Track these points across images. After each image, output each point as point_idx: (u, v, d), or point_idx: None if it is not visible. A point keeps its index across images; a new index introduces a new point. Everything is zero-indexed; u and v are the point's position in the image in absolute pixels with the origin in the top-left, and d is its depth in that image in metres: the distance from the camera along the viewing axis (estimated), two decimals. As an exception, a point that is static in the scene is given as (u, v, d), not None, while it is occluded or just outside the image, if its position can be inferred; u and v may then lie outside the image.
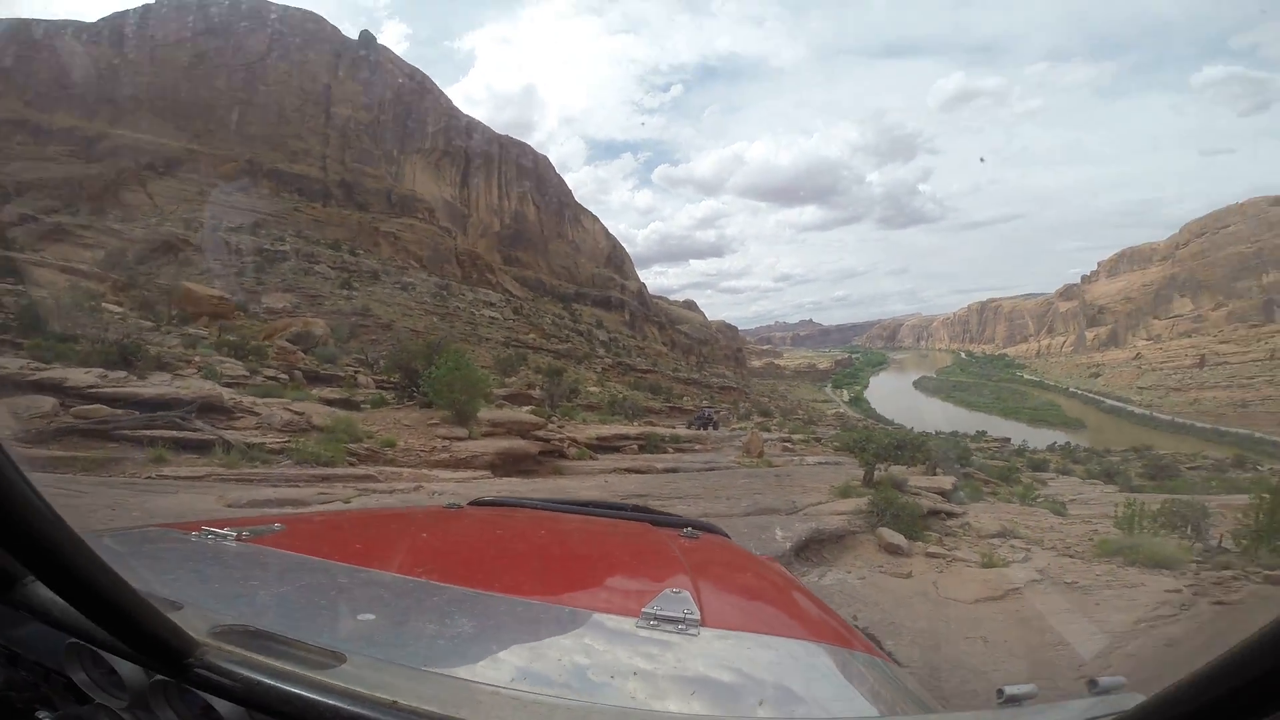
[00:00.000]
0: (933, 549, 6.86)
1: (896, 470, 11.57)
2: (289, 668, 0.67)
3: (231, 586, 0.97)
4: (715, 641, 0.89)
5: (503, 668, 0.77)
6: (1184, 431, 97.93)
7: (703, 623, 0.93)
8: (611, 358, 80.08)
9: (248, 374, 17.36)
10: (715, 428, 29.19)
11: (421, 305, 61.64)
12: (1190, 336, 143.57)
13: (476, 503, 2.23)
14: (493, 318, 70.25)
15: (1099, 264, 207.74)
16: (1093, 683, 0.71)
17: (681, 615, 0.93)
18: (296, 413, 11.62)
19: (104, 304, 23.97)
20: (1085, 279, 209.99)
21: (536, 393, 27.74)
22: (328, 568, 1.10)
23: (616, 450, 18.65)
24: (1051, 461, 39.50)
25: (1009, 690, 0.76)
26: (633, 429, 22.20)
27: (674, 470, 14.55)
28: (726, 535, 2.00)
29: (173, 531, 1.26)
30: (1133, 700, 0.60)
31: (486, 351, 55.02)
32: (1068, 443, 68.80)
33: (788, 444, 27.02)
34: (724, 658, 0.86)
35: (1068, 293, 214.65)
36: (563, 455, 15.26)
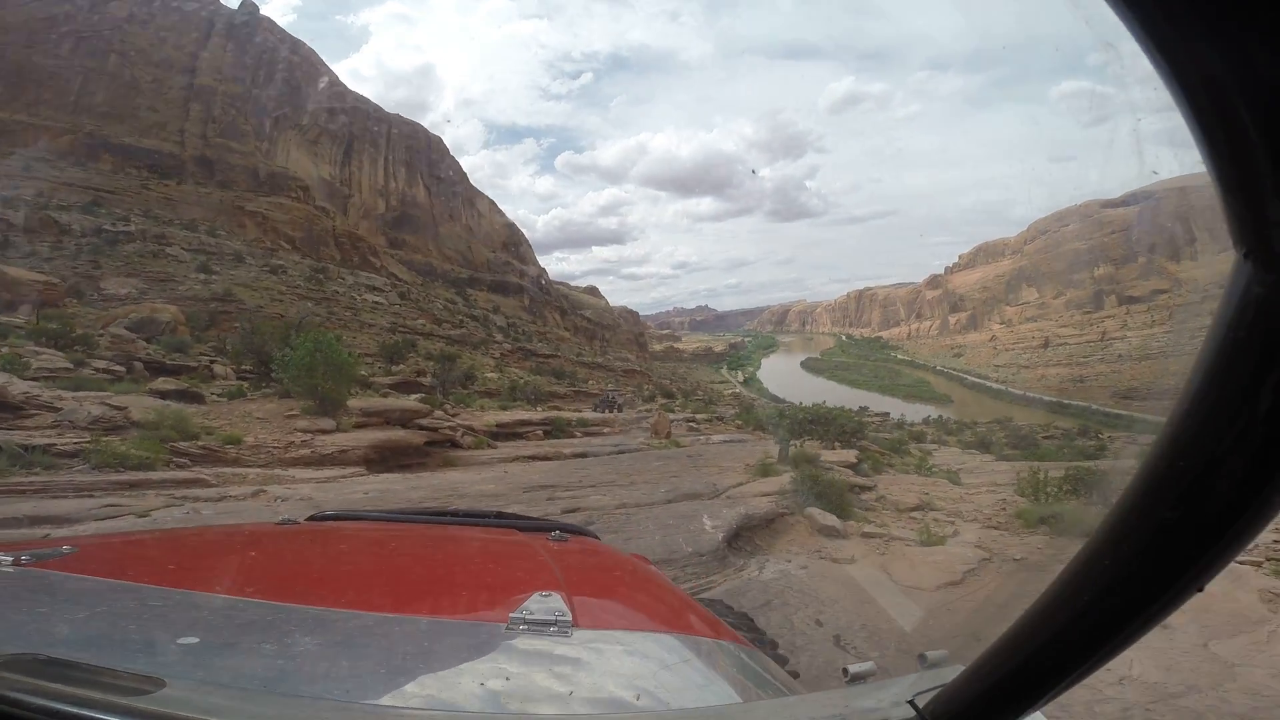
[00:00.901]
0: (868, 529, 6.56)
1: (808, 447, 11.41)
2: (96, 695, 0.55)
3: (10, 615, 0.82)
4: (589, 641, 0.87)
5: (356, 685, 0.70)
6: (1034, 405, 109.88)
7: (575, 624, 0.90)
8: (510, 343, 77.72)
9: (71, 366, 15.29)
10: (620, 410, 28.85)
11: (294, 290, 56.50)
12: (1036, 321, 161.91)
13: (315, 518, 2.02)
14: (377, 303, 65.73)
15: (960, 257, 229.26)
16: (922, 657, 0.72)
17: (553, 618, 0.89)
18: (116, 407, 9.65)
19: None
20: (948, 270, 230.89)
21: (427, 380, 25.91)
22: (136, 590, 0.95)
23: (519, 437, 17.55)
24: (928, 434, 42.59)
25: (852, 669, 0.79)
26: (536, 414, 21.21)
27: (583, 455, 13.74)
28: (596, 537, 1.95)
29: None
30: (957, 669, 0.63)
31: (370, 338, 51.45)
32: (940, 416, 75.15)
33: (692, 424, 27.04)
34: (598, 656, 0.84)
35: (934, 282, 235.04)
36: (455, 445, 14.01)
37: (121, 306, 31.51)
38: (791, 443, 10.97)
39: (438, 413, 14.98)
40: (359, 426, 11.91)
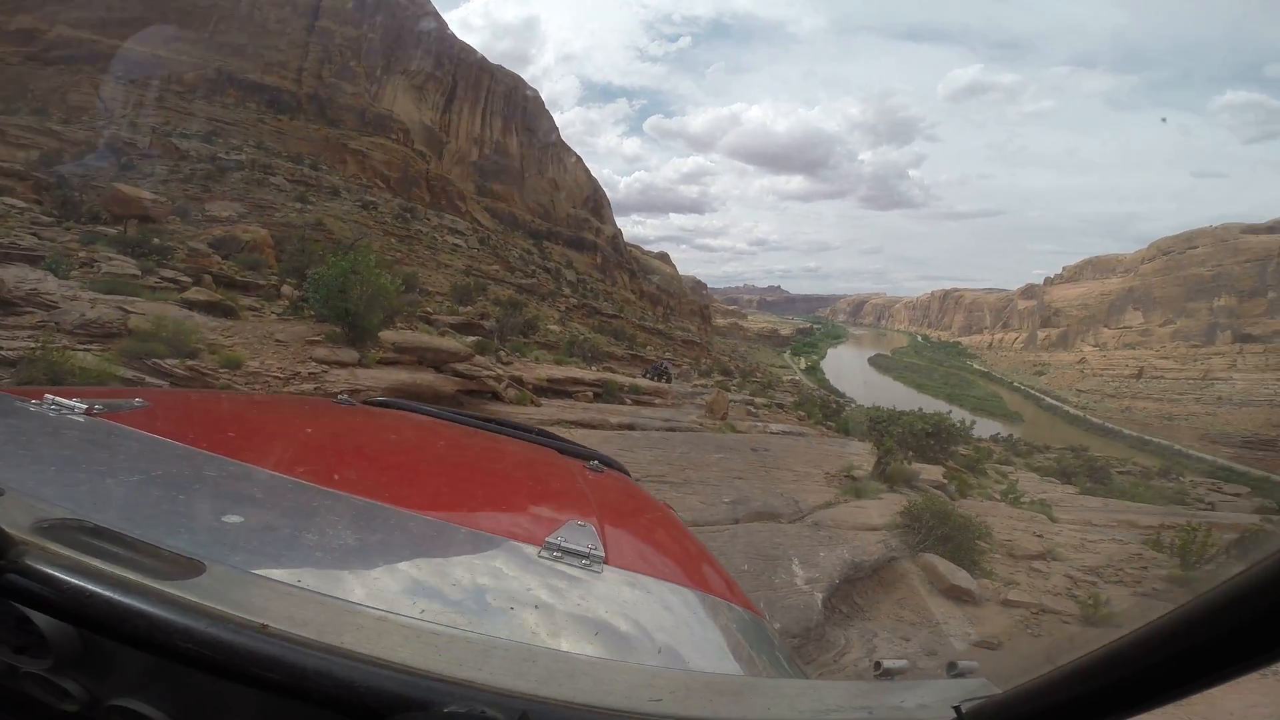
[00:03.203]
0: (1009, 594, 5.08)
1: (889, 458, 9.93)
2: (131, 576, 0.55)
3: (69, 472, 0.80)
4: (619, 582, 0.86)
5: (392, 590, 0.69)
6: (1112, 436, 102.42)
7: (606, 560, 0.89)
8: (578, 299, 77.93)
9: (138, 274, 15.62)
10: (669, 380, 27.92)
11: (381, 225, 58.36)
12: (1134, 348, 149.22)
13: (369, 402, 2.07)
14: (456, 245, 67.00)
15: (1064, 268, 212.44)
16: (951, 665, 0.73)
17: (586, 550, 0.89)
18: (128, 311, 9.16)
19: (7, 199, 22.59)
20: (1048, 281, 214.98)
21: (489, 324, 25.64)
22: (192, 456, 0.95)
23: (568, 395, 16.76)
24: (994, 452, 39.58)
25: (885, 664, 0.79)
26: (589, 373, 20.38)
27: (629, 427, 12.67)
28: (629, 473, 1.94)
29: (5, 397, 1.04)
30: (990, 688, 0.63)
31: (445, 278, 52.44)
32: (1009, 435, 70.64)
33: (751, 408, 25.71)
34: (628, 600, 0.83)
35: (1028, 292, 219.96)
36: (497, 397, 13.07)
37: (220, 226, 33.00)
38: (896, 455, 9.40)
39: (479, 359, 13.87)
40: (385, 363, 10.98)
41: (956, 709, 0.61)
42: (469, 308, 33.94)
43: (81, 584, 0.53)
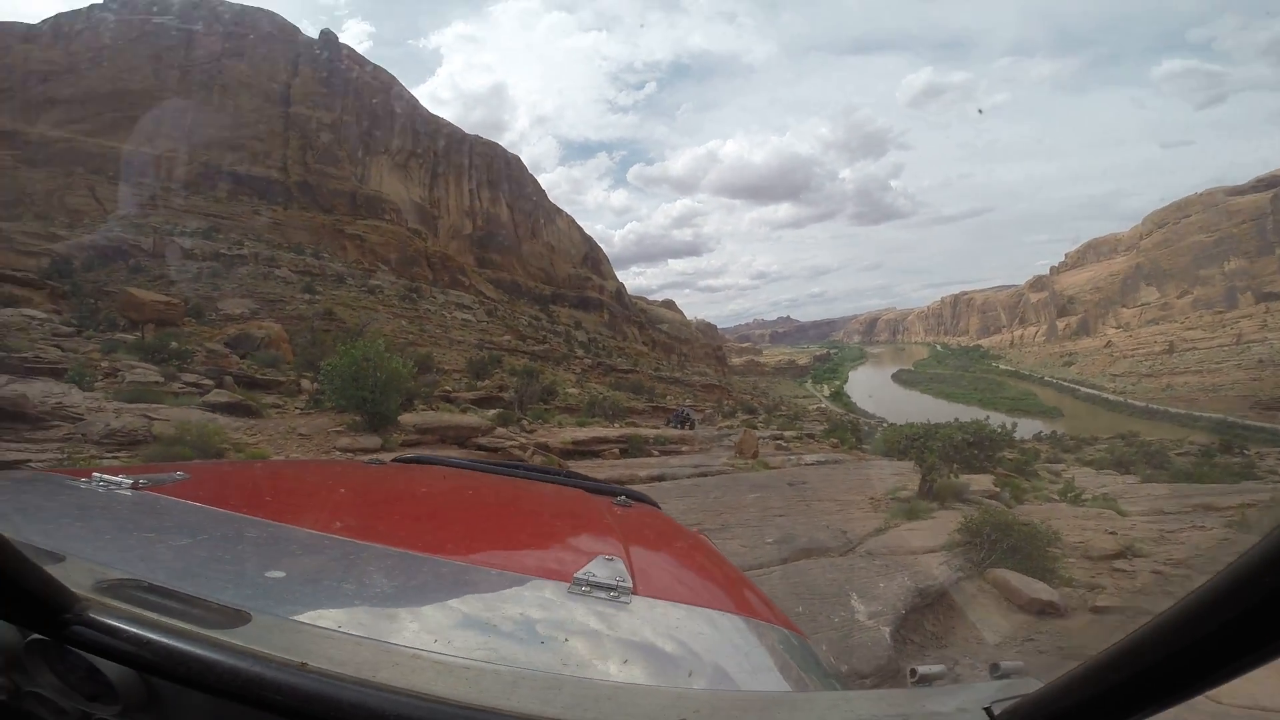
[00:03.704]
0: (1097, 600, 4.63)
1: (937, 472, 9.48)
2: (185, 625, 0.60)
3: (122, 538, 0.88)
4: (648, 610, 0.88)
5: (426, 630, 0.73)
6: (1159, 417, 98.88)
7: (635, 591, 0.91)
8: (591, 359, 78.15)
9: (162, 380, 15.53)
10: (693, 427, 27.60)
11: (389, 308, 59.28)
12: (1158, 324, 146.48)
13: (400, 460, 2.16)
14: (465, 320, 67.91)
15: (1066, 255, 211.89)
16: (995, 666, 0.73)
17: (614, 583, 0.91)
18: (153, 418, 9.26)
19: (26, 310, 22.99)
20: (1054, 270, 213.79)
21: (508, 395, 25.71)
22: (233, 520, 1.02)
23: (595, 455, 16.59)
24: (1042, 452, 38.16)
25: (921, 670, 0.79)
26: (613, 430, 20.21)
27: (659, 478, 12.40)
28: (658, 506, 1.96)
29: (59, 477, 1.13)
30: (1033, 685, 0.63)
31: (459, 354, 52.97)
32: (1054, 431, 68.29)
33: (780, 442, 25.27)
34: (657, 627, 0.84)
35: (1038, 284, 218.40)
36: (525, 466, 13.05)
37: (235, 324, 33.69)
38: (941, 470, 8.99)
39: (501, 430, 13.98)
40: (408, 445, 11.16)
41: (988, 710, 0.61)
42: (486, 381, 34.08)
43: (141, 632, 0.58)
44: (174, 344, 19.68)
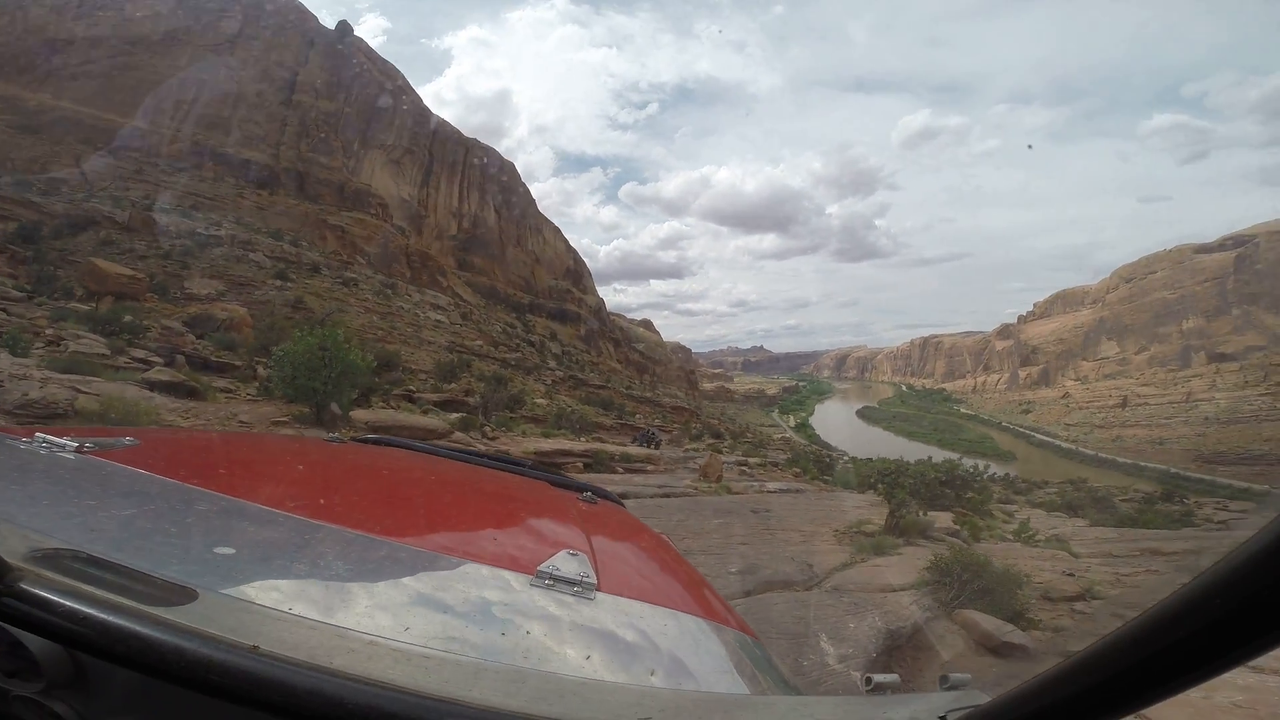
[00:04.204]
0: (1067, 644, 4.59)
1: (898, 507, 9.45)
2: (125, 601, 0.56)
3: (62, 505, 0.82)
4: (611, 607, 0.88)
5: (383, 617, 0.71)
6: (1107, 466, 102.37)
7: (599, 587, 0.91)
8: (563, 371, 77.69)
9: (108, 353, 14.86)
10: (657, 446, 27.53)
11: (362, 302, 58.17)
12: (1115, 378, 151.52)
13: (361, 439, 2.09)
14: (439, 321, 66.98)
15: (1035, 305, 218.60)
16: (944, 678, 0.74)
17: (578, 577, 0.90)
18: (82, 392, 8.72)
19: None
20: (1021, 319, 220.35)
21: (473, 400, 25.22)
22: (183, 491, 0.97)
23: (558, 468, 16.23)
24: (995, 492, 38.96)
25: (876, 679, 0.79)
26: (578, 445, 19.98)
27: (623, 497, 12.18)
28: (622, 504, 1.94)
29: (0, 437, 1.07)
30: (980, 697, 0.64)
31: (428, 355, 52.08)
32: (1007, 474, 70.28)
33: (744, 468, 25.27)
34: (620, 623, 0.84)
35: (1004, 332, 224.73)
36: (484, 473, 12.67)
37: (199, 305, 32.65)
38: (909, 507, 8.91)
39: (460, 435, 13.55)
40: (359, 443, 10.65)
41: (942, 718, 0.62)
42: (453, 385, 33.50)
43: (77, 607, 0.54)
44: (127, 317, 18.88)
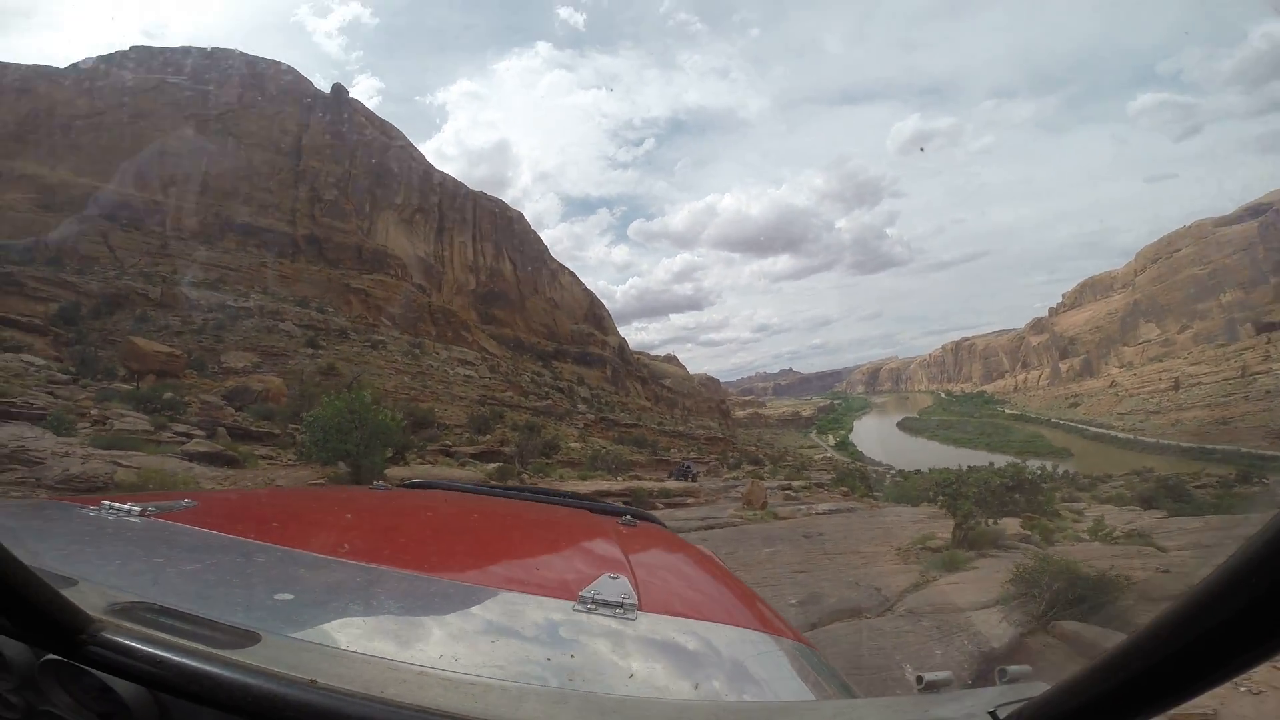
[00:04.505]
0: None
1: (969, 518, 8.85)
2: (196, 646, 0.62)
3: (134, 563, 0.90)
4: (653, 625, 0.90)
5: (432, 648, 0.75)
6: (1170, 452, 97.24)
7: (640, 607, 0.93)
8: (594, 414, 77.65)
9: (151, 429, 15.29)
10: (694, 479, 27.08)
11: (392, 364, 59.27)
12: (1161, 360, 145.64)
13: (406, 484, 2.17)
14: (468, 376, 67.77)
15: (1063, 296, 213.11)
16: (1002, 671, 0.74)
17: (619, 600, 0.93)
18: (122, 465, 8.86)
19: (26, 357, 23.08)
20: (1052, 311, 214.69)
21: (508, 449, 25.19)
22: (242, 545, 1.03)
23: (598, 509, 15.94)
24: (1057, 491, 37.06)
25: (928, 677, 0.79)
26: (616, 484, 19.70)
27: (668, 532, 11.78)
28: (663, 524, 1.97)
29: (70, 506, 1.16)
30: (1039, 688, 0.63)
31: (461, 410, 52.57)
32: (1065, 471, 67.14)
33: (789, 491, 24.52)
34: (662, 641, 0.86)
35: (1037, 326, 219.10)
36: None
37: (235, 377, 33.53)
38: (976, 517, 8.35)
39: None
40: None
41: (993, 714, 0.62)
42: (488, 436, 33.67)
43: (154, 651, 0.60)
44: (167, 395, 19.43)
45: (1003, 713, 0.61)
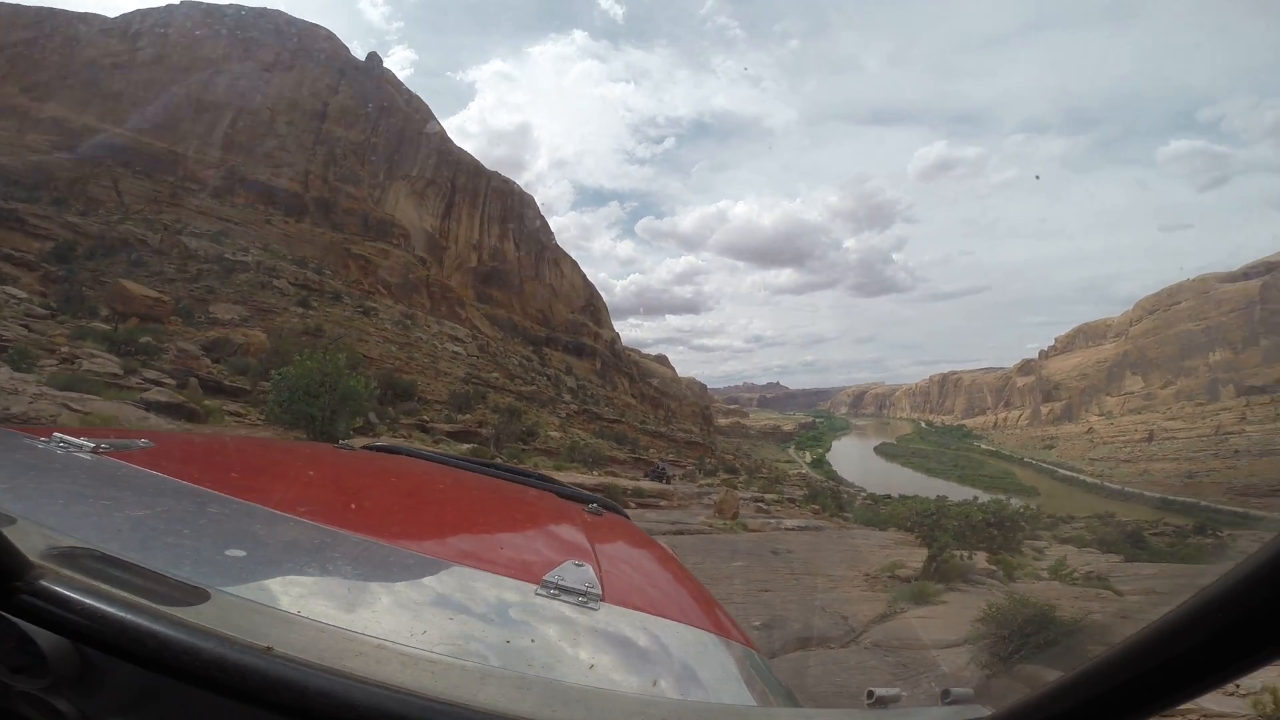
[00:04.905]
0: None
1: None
2: (140, 600, 0.57)
3: (77, 504, 0.84)
4: (615, 617, 0.89)
5: (392, 621, 0.72)
6: (1134, 499, 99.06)
7: (603, 598, 0.92)
8: (578, 404, 77.48)
9: (120, 372, 14.74)
10: (668, 481, 27.21)
11: (381, 332, 58.80)
12: (1140, 413, 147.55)
13: (371, 447, 2.13)
14: (456, 352, 67.36)
15: (1056, 339, 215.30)
16: (946, 693, 0.74)
17: (583, 588, 0.91)
18: (74, 410, 8.56)
19: (9, 289, 23.09)
20: (1043, 354, 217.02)
21: (485, 431, 24.97)
22: (197, 494, 0.98)
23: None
24: (1023, 529, 37.28)
25: (878, 693, 0.79)
26: (590, 478, 19.52)
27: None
28: (628, 517, 1.97)
29: (18, 435, 1.09)
30: (982, 711, 0.64)
31: (444, 385, 52.11)
32: (1030, 508, 67.74)
33: (760, 504, 24.57)
34: (623, 635, 0.86)
35: (1026, 368, 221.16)
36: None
37: (221, 328, 33.17)
38: (950, 552, 8.28)
39: None
40: None
41: None
42: (467, 415, 33.40)
43: (94, 604, 0.55)
44: (144, 338, 19.01)
45: None
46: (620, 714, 0.60)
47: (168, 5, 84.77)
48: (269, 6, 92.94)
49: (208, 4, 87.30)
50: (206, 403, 14.79)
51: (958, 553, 8.67)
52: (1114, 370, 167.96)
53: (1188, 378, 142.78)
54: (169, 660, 0.53)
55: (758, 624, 5.25)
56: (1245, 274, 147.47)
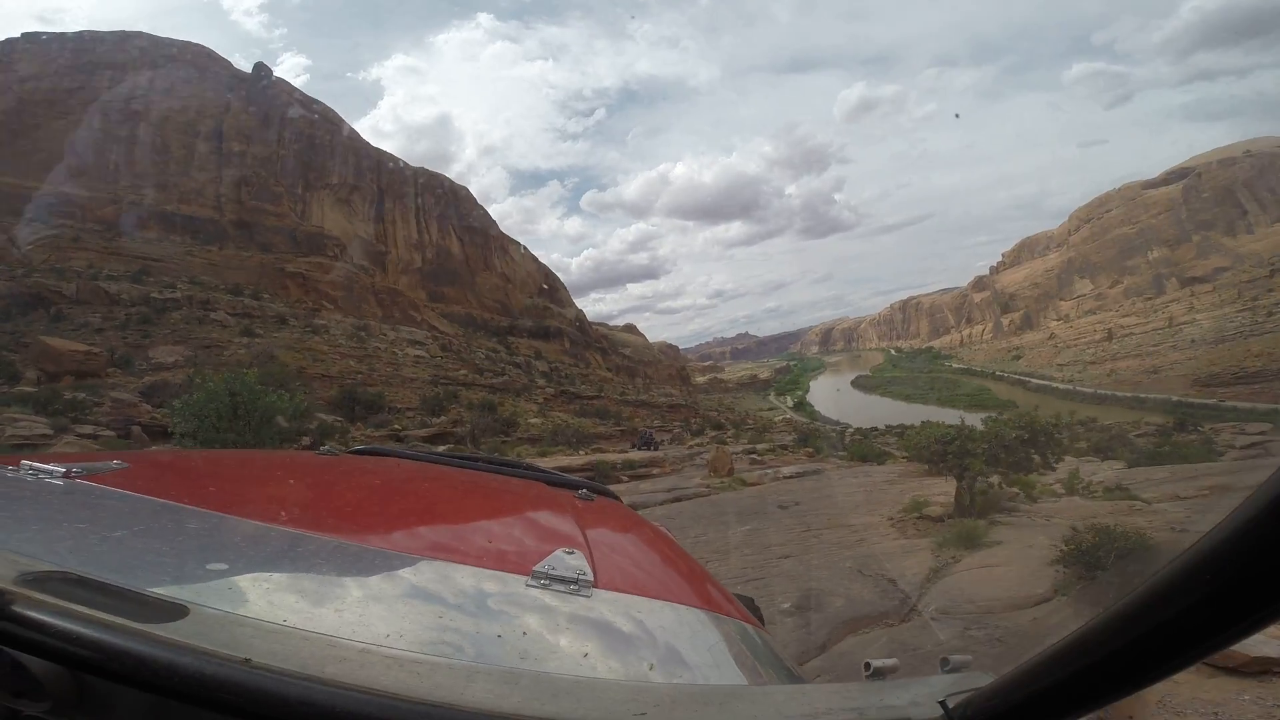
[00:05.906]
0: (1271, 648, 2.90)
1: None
2: (116, 619, 0.57)
3: (51, 529, 0.83)
4: (608, 603, 0.88)
5: (377, 625, 0.71)
6: (1109, 402, 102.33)
7: (596, 584, 0.90)
8: (554, 387, 76.35)
9: (50, 432, 13.94)
10: (656, 448, 26.62)
11: (336, 348, 56.32)
12: (1095, 314, 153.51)
13: (353, 450, 2.12)
14: (419, 356, 65.35)
15: (1003, 255, 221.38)
16: (945, 660, 0.73)
17: (575, 576, 0.90)
18: None
19: None
20: (993, 270, 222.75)
21: (461, 430, 24.01)
22: (174, 511, 0.96)
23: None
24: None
25: (875, 664, 0.78)
26: (578, 459, 18.89)
27: (632, 508, 10.93)
28: (619, 499, 1.95)
29: None
30: (982, 679, 0.64)
31: (412, 392, 50.51)
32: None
33: (754, 455, 24.21)
34: (617, 620, 0.84)
35: (980, 284, 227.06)
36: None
37: (165, 373, 31.22)
38: (987, 478, 7.45)
39: None
40: None
41: (942, 703, 0.62)
42: (441, 418, 32.30)
43: (69, 626, 0.54)
44: (68, 395, 17.53)
45: (951, 702, 0.61)
46: (611, 702, 0.59)
47: (7, 40, 77.09)
48: (129, 29, 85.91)
49: (55, 34, 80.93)
50: (154, 448, 13.59)
51: (991, 480, 7.86)
52: (1063, 276, 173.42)
53: (1133, 275, 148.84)
54: (147, 677, 0.52)
55: (787, 606, 4.23)
56: (1165, 180, 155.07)
